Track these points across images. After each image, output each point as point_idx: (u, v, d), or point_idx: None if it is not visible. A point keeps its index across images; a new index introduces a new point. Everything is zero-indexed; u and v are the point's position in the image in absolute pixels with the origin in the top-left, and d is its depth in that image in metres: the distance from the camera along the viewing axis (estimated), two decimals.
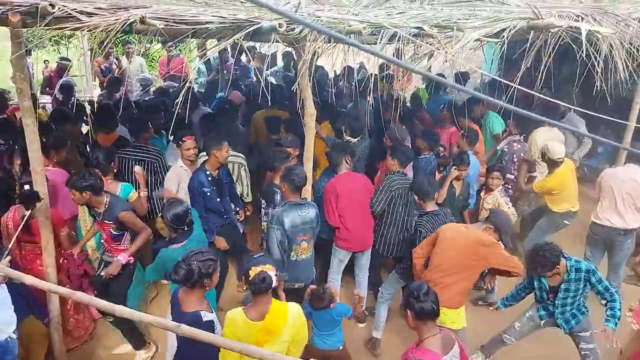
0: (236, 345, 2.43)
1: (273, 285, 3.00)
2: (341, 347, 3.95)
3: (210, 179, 4.63)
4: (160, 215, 5.09)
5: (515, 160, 6.09)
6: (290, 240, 4.07)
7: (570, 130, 6.23)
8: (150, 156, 5.22)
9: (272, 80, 9.05)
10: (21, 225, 3.77)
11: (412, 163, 5.44)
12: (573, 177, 5.41)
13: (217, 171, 4.72)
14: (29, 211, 3.75)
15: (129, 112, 6.68)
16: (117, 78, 8.79)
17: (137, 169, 4.67)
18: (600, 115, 2.56)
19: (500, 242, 3.90)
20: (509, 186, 6.00)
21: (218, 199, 4.71)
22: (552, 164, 5.23)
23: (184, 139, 4.76)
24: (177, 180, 4.84)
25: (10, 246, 3.71)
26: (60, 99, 7.92)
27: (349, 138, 5.66)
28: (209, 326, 2.88)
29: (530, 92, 2.77)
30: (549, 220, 5.46)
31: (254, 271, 2.99)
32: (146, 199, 4.71)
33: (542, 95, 3.17)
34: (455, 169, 5.18)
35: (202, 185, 4.56)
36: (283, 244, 4.04)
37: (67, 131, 5.75)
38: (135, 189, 4.73)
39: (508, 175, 5.93)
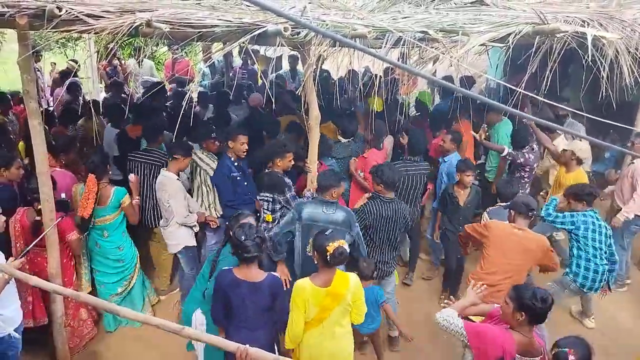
0: (230, 345, 2.44)
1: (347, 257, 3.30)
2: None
3: (236, 164, 4.90)
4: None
5: (527, 168, 5.89)
6: (304, 233, 4.11)
7: (575, 136, 6.18)
8: (159, 160, 5.21)
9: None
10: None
11: None
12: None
13: (238, 160, 4.99)
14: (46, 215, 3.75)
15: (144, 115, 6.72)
16: (119, 81, 8.85)
17: (132, 177, 4.69)
18: (605, 120, 2.55)
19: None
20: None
21: (245, 183, 4.90)
22: (575, 164, 5.42)
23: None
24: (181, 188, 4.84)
25: (28, 249, 3.71)
26: (68, 99, 7.99)
27: (340, 138, 5.70)
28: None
29: (535, 97, 2.76)
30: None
31: (332, 246, 3.21)
32: (138, 207, 4.72)
33: (546, 100, 3.16)
34: (459, 175, 5.14)
35: (230, 171, 4.84)
36: (288, 229, 4.19)
37: (83, 128, 5.91)
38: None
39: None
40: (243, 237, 3.18)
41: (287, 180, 4.68)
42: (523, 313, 2.86)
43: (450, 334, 3.00)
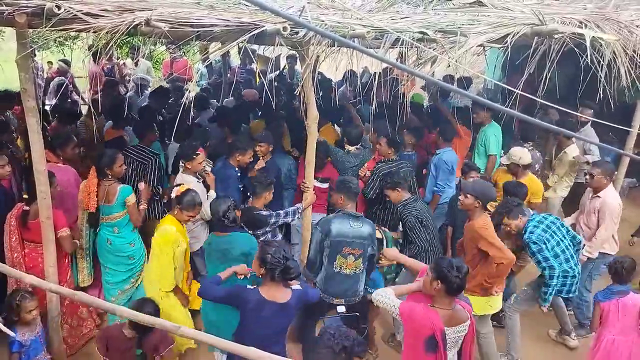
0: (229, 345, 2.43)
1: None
2: None
3: (239, 174, 5.00)
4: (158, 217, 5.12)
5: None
6: (333, 249, 3.97)
7: (583, 141, 6.07)
8: (145, 157, 5.21)
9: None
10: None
11: None
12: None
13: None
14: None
15: (134, 113, 6.72)
16: (114, 81, 8.81)
17: (142, 185, 4.69)
18: (602, 122, 2.56)
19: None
20: None
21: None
22: (522, 171, 5.20)
23: (198, 152, 4.75)
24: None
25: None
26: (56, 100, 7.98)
27: (348, 147, 5.52)
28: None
29: (535, 98, 2.77)
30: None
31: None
32: (144, 212, 4.67)
33: (544, 102, 3.17)
34: (464, 177, 5.09)
35: (237, 182, 4.97)
36: (321, 249, 4.03)
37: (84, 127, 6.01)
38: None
39: None
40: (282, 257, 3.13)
41: (266, 213, 4.38)
42: (439, 281, 2.99)
43: (384, 309, 3.22)
